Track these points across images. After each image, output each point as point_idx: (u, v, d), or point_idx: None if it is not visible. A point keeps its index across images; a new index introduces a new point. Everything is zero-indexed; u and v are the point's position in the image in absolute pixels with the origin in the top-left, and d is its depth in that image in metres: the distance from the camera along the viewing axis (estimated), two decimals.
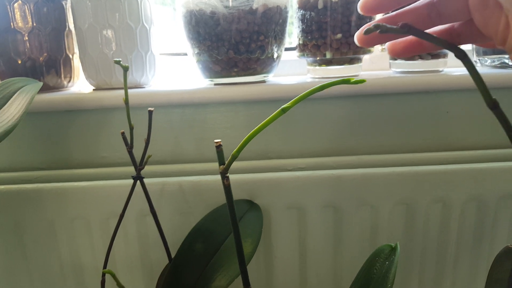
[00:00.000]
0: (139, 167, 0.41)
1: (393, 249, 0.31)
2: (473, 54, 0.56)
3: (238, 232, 0.28)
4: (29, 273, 0.53)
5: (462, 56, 0.23)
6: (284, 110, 0.26)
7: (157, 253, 0.51)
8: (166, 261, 0.47)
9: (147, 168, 0.51)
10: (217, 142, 0.28)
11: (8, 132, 0.39)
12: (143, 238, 0.51)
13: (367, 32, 0.21)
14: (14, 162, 0.53)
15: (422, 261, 0.51)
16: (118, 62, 0.36)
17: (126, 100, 0.38)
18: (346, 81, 0.23)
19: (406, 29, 0.21)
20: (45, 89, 0.54)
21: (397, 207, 0.49)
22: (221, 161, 0.28)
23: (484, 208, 0.49)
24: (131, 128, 0.40)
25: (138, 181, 0.43)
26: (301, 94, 0.26)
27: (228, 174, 0.28)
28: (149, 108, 0.40)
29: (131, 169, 0.52)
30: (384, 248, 0.32)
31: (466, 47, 0.57)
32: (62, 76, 0.56)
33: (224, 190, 0.29)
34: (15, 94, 0.43)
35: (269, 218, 0.50)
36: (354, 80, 0.24)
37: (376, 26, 0.21)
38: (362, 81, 0.24)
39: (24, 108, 0.41)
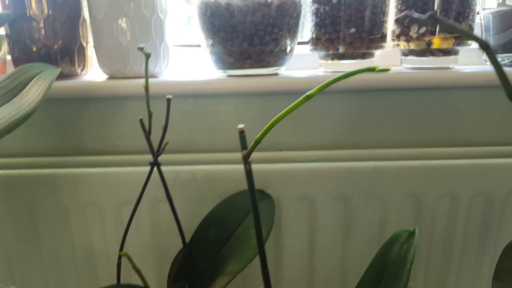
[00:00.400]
0: (156, 153, 0.41)
1: (411, 234, 0.31)
2: (483, 53, 0.57)
3: (258, 214, 0.29)
4: (41, 257, 0.54)
5: (485, 47, 0.24)
6: (308, 97, 0.27)
7: (169, 240, 0.52)
8: (177, 248, 0.48)
9: (160, 157, 0.52)
10: (240, 128, 0.29)
11: (27, 116, 0.40)
12: (156, 225, 0.52)
13: (397, 21, 0.22)
14: (28, 148, 0.54)
15: (428, 253, 0.52)
16: (141, 49, 0.37)
17: (146, 87, 0.39)
18: (371, 69, 0.24)
19: (433, 20, 0.22)
20: (59, 77, 0.55)
21: (407, 200, 0.50)
22: (243, 146, 0.29)
23: (491, 203, 0.50)
24: (150, 115, 0.40)
25: (153, 169, 0.43)
26: (325, 82, 0.26)
27: (250, 160, 0.29)
28: (168, 96, 0.40)
29: (143, 157, 0.53)
30: (401, 233, 0.33)
31: (474, 47, 0.58)
32: (76, 64, 0.56)
33: (246, 174, 0.29)
34: (34, 79, 0.43)
35: (279, 208, 0.51)
36: (379, 68, 0.24)
37: (405, 17, 0.22)
38: (386, 69, 0.24)
39: (43, 93, 0.41)
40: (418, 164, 0.50)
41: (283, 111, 0.27)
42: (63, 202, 0.52)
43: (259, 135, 0.28)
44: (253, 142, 0.29)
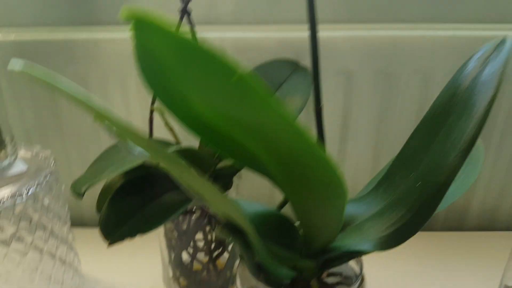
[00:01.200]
0: None
1: (500, 43, 0.24)
2: None
3: (315, 28, 0.26)
4: (60, 128, 0.52)
5: None
6: None
7: None
8: None
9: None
10: None
11: None
12: None
13: None
14: (42, 17, 0.49)
15: None
16: None
17: None
18: None
19: None
20: None
21: (451, 74, 0.46)
22: None
23: None
24: None
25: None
26: None
27: None
28: None
29: None
30: (485, 46, 0.26)
31: None
32: None
33: None
34: None
35: None
36: None
37: None
38: None
39: None
40: (468, 34, 0.45)
41: None
42: (82, 71, 0.48)
43: None
44: None
